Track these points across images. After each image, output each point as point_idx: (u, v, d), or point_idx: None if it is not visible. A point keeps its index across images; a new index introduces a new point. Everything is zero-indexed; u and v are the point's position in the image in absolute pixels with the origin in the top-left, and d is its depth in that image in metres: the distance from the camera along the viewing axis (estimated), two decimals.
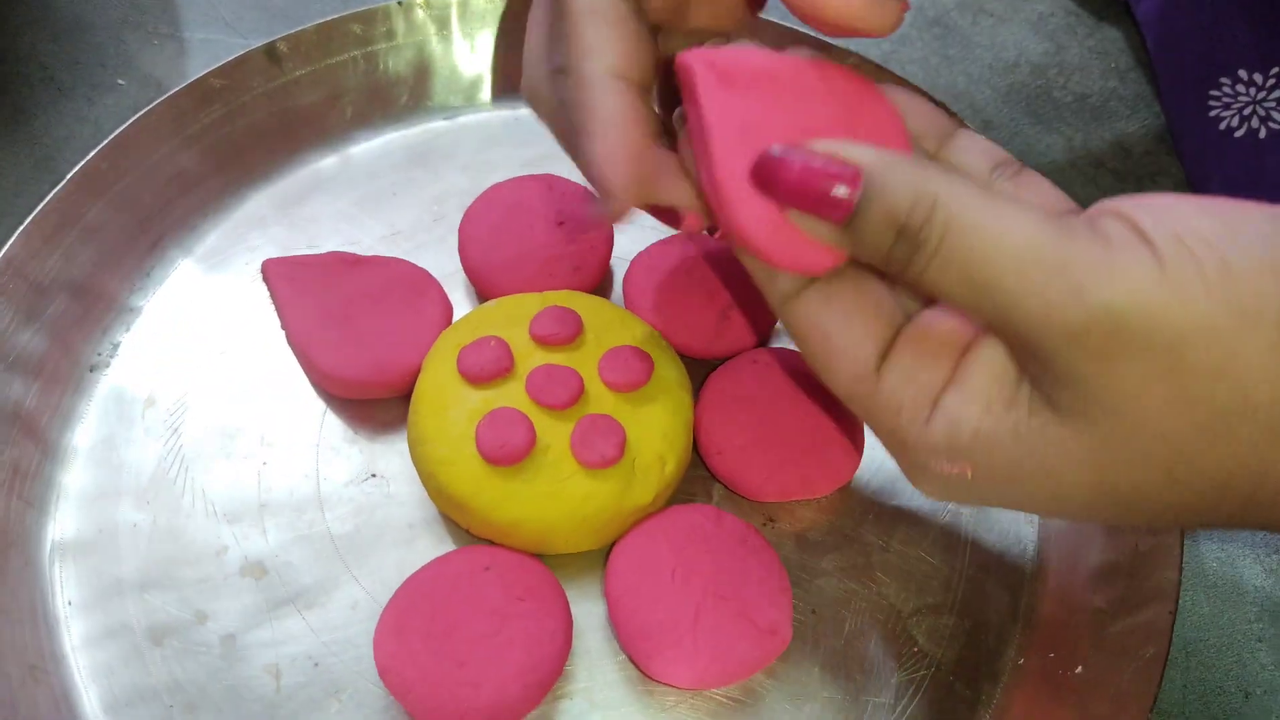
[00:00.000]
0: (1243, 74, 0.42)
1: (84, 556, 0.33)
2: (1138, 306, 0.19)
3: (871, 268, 0.24)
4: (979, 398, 0.22)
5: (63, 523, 0.33)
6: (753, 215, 0.23)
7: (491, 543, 0.32)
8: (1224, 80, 0.42)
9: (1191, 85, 0.42)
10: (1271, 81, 0.41)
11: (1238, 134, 0.41)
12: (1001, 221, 0.20)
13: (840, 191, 0.21)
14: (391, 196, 0.40)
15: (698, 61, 0.24)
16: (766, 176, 0.22)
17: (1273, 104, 0.41)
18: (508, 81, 0.42)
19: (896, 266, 0.22)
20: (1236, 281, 0.19)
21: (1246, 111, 0.41)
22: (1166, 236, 0.19)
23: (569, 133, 0.27)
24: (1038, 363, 0.21)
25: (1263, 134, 0.41)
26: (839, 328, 0.24)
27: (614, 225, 0.27)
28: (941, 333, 0.24)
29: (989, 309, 0.20)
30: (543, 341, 0.33)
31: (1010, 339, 0.21)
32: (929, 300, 0.25)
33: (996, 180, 0.26)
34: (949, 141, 0.27)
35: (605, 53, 0.24)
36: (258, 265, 0.38)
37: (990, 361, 0.22)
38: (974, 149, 0.27)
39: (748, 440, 0.33)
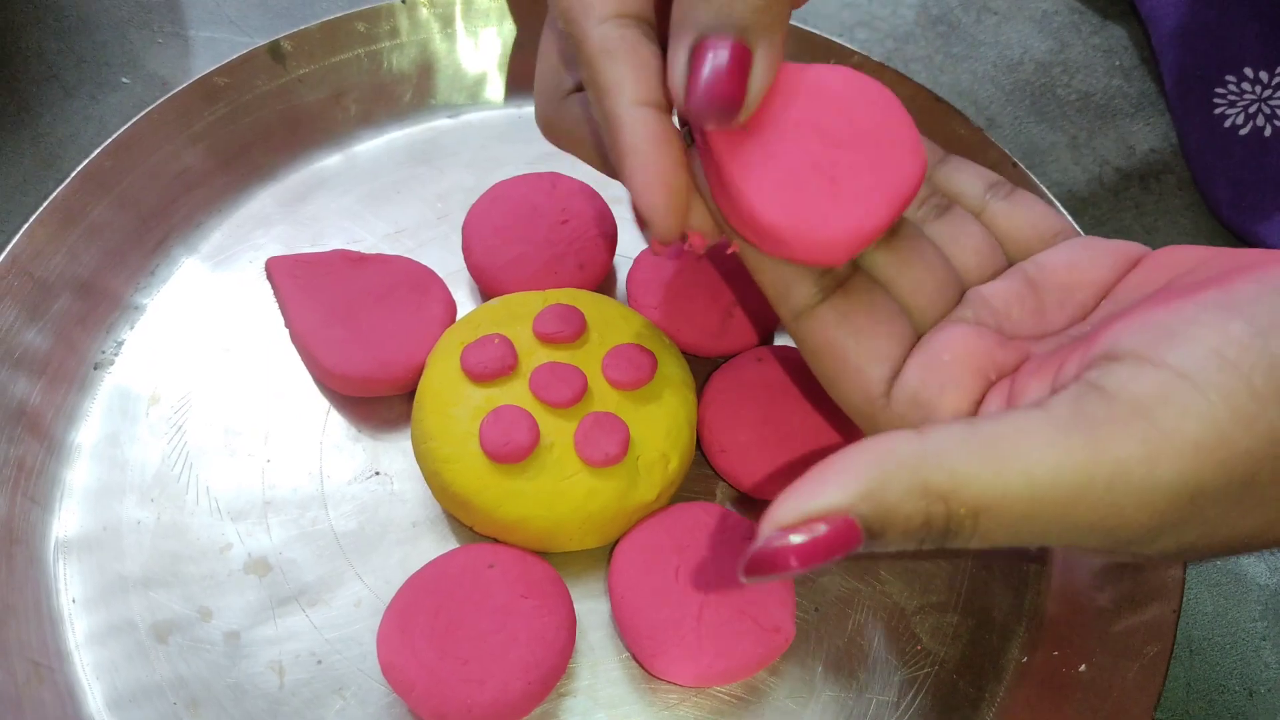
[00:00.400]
0: (1248, 72, 0.41)
1: (88, 553, 0.33)
2: (1199, 465, 0.19)
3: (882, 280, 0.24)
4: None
5: (67, 520, 0.34)
6: (769, 205, 0.23)
7: (495, 540, 0.32)
8: (1229, 78, 0.42)
9: (1197, 83, 0.42)
10: (1277, 79, 0.41)
11: (1243, 131, 0.41)
12: (1020, 467, 0.19)
13: (839, 553, 0.19)
14: (395, 194, 0.40)
15: None
16: (766, 568, 0.20)
17: (1278, 102, 0.41)
18: (516, 80, 0.42)
19: (936, 545, 0.20)
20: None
21: (1252, 109, 0.41)
22: (1196, 361, 0.19)
23: (596, 152, 0.27)
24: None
25: (1268, 131, 0.41)
26: (852, 346, 0.24)
27: (664, 253, 0.27)
28: (954, 357, 0.24)
29: (1053, 539, 0.20)
30: (546, 339, 0.33)
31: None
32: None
33: (990, 201, 0.26)
34: (939, 168, 0.27)
35: (625, 86, 0.24)
36: (262, 263, 0.38)
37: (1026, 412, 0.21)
38: (966, 172, 0.27)
39: (751, 438, 0.33)
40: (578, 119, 0.28)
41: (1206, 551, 0.21)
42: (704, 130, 0.24)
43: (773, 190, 0.23)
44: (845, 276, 0.25)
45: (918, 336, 0.25)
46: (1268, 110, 0.41)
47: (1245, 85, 0.41)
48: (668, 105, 0.24)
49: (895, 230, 0.26)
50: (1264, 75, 0.41)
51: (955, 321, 0.25)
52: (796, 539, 0.19)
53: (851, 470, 0.19)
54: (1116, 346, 0.20)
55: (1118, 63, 0.44)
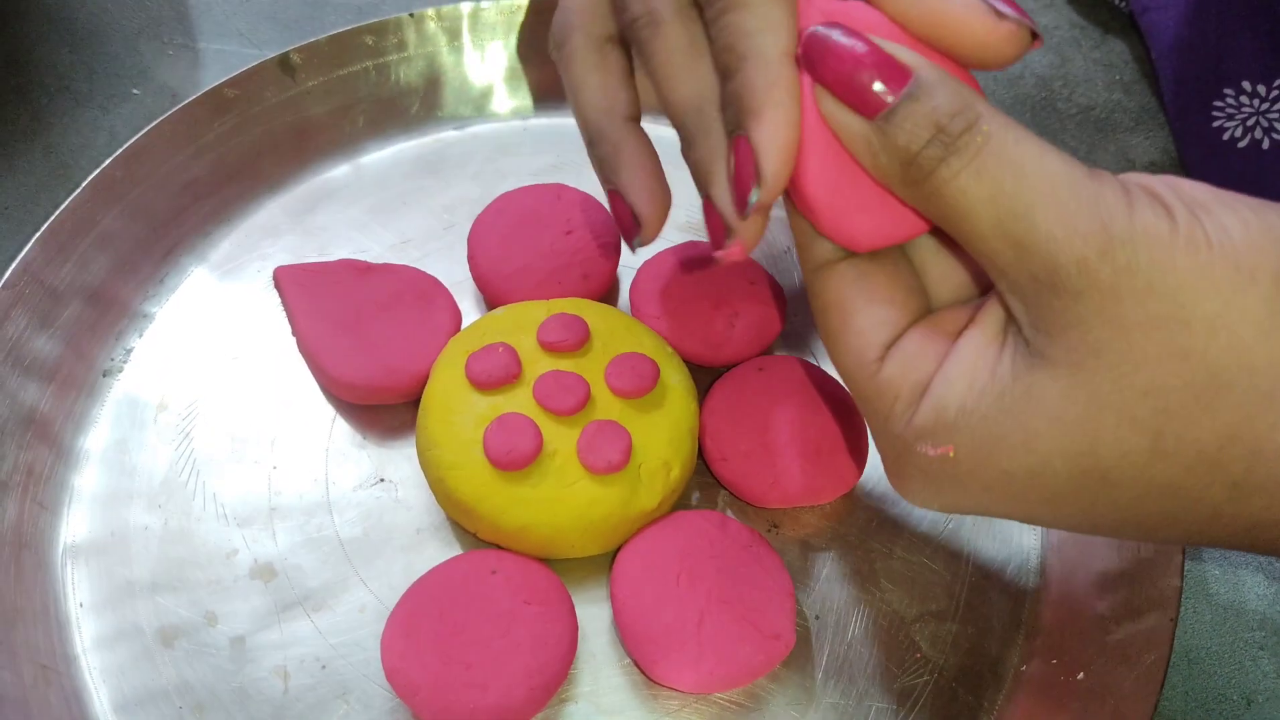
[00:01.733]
0: (1246, 85, 0.42)
1: (96, 558, 0.33)
2: (1150, 248, 0.20)
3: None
4: (965, 374, 0.22)
5: (75, 525, 0.34)
6: (820, 180, 0.23)
7: (498, 547, 0.32)
8: (1228, 91, 0.42)
9: (1196, 96, 0.42)
10: (1275, 93, 0.42)
11: (1241, 144, 0.42)
12: (1039, 151, 0.20)
13: (881, 86, 0.21)
14: (402, 205, 0.40)
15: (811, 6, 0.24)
16: (815, 52, 0.22)
17: (1276, 115, 0.41)
18: (521, 92, 0.43)
19: (921, 171, 0.21)
20: (1236, 243, 0.20)
21: (1250, 122, 0.42)
22: (1177, 202, 0.20)
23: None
24: (1039, 301, 0.21)
25: (1266, 144, 0.41)
26: (862, 307, 0.24)
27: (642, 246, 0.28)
28: (951, 323, 0.24)
29: (1009, 229, 0.20)
30: (550, 348, 0.33)
31: (1017, 272, 0.21)
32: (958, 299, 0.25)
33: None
34: None
35: (784, 31, 0.23)
36: (269, 273, 0.38)
37: (976, 338, 0.22)
38: None
39: (752, 447, 0.33)
40: (603, 61, 0.28)
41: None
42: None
43: (825, 179, 0.23)
44: None
45: (929, 312, 0.25)
46: (1265, 123, 0.41)
47: (1244, 98, 0.42)
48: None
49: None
50: (1261, 89, 0.42)
51: (968, 305, 0.25)
52: (869, 43, 0.21)
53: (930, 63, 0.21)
54: (1126, 176, 0.21)
55: (1118, 77, 0.45)
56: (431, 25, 0.42)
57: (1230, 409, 0.20)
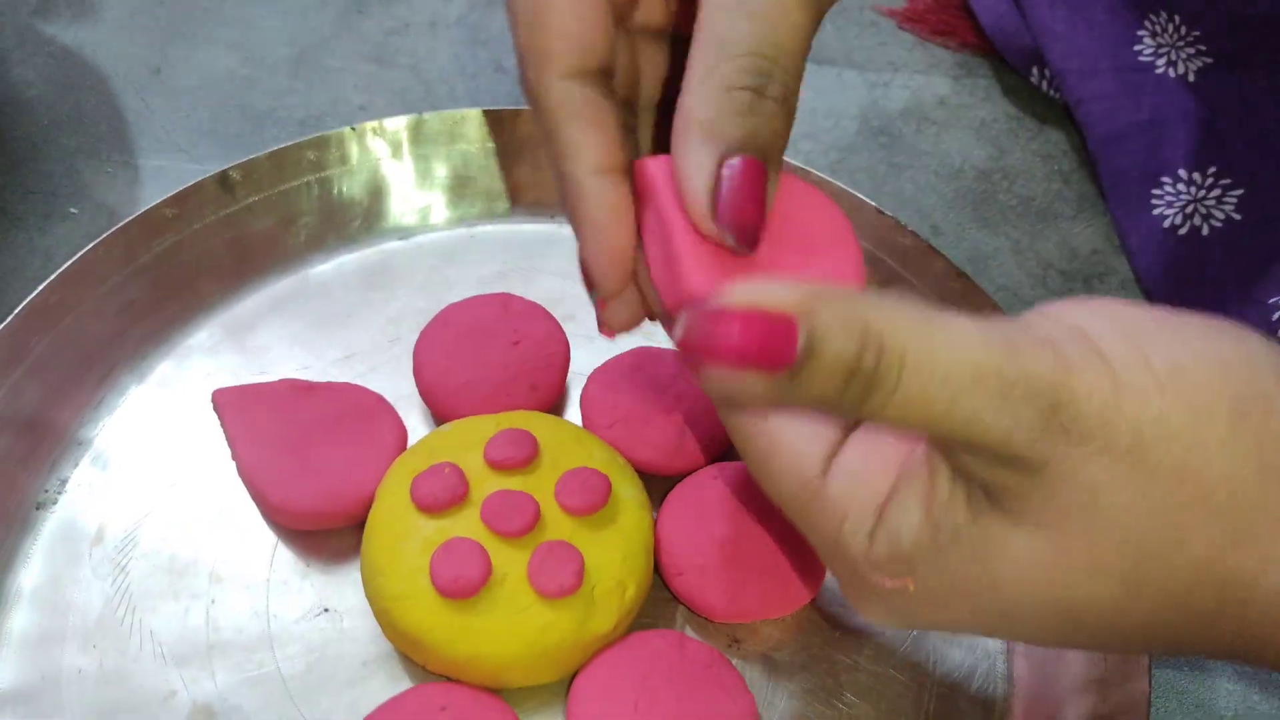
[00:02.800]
0: (1182, 173, 0.43)
1: (23, 706, 0.32)
2: (1096, 408, 0.19)
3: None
4: (919, 504, 0.21)
5: (2, 671, 0.32)
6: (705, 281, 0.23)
7: (448, 678, 0.31)
8: (1165, 179, 0.43)
9: (1134, 185, 0.43)
10: (1210, 180, 0.42)
11: (1182, 231, 0.42)
12: (951, 343, 0.19)
13: (785, 352, 0.19)
14: (347, 318, 0.40)
15: (659, 167, 0.24)
16: (696, 346, 0.19)
17: (1212, 202, 0.42)
18: (463, 201, 0.43)
19: (848, 408, 0.20)
20: (1187, 380, 0.19)
21: (1189, 209, 0.42)
22: (1114, 340, 0.20)
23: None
24: (998, 477, 0.20)
25: (1205, 231, 0.42)
26: (786, 428, 0.23)
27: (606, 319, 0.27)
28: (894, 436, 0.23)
29: (954, 436, 0.20)
30: (498, 466, 0.32)
31: (971, 463, 0.20)
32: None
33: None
34: None
35: (586, 153, 0.23)
36: (209, 394, 0.37)
37: (930, 470, 0.21)
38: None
39: (709, 560, 0.33)
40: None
41: None
42: (651, 227, 0.24)
43: (709, 268, 0.23)
44: None
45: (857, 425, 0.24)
46: (1204, 210, 0.42)
47: (1181, 186, 0.43)
48: (625, 168, 0.24)
49: None
50: (1197, 176, 0.42)
51: None
52: (736, 316, 0.19)
53: (801, 288, 0.19)
54: (1048, 313, 0.21)
55: (1056, 167, 0.46)
56: (373, 138, 0.42)
57: (1198, 550, 0.20)
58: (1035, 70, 0.47)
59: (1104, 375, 0.19)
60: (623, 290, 0.25)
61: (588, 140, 0.24)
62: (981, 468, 0.20)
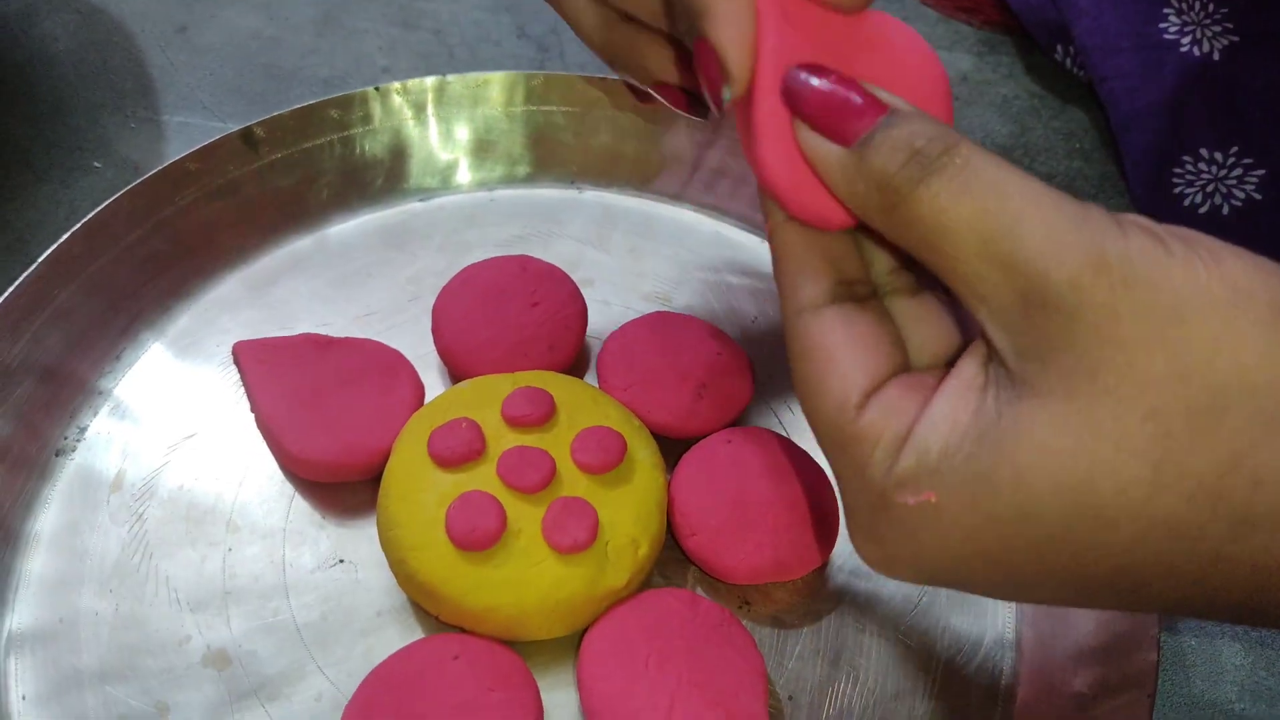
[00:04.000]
0: (1204, 152, 0.42)
1: (42, 647, 0.32)
2: (1146, 265, 0.19)
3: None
4: (947, 416, 0.21)
5: (21, 612, 0.33)
6: (779, 156, 0.23)
7: (462, 629, 0.32)
8: (1186, 158, 0.43)
9: (1155, 164, 0.43)
10: (1231, 160, 0.42)
11: (1202, 210, 0.42)
12: (1021, 176, 0.20)
13: (859, 117, 0.21)
14: (367, 278, 0.40)
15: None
16: (796, 88, 0.22)
17: (1233, 181, 0.42)
18: (485, 164, 0.43)
19: (899, 194, 0.21)
20: (1229, 266, 0.19)
21: (1210, 189, 0.42)
22: (1167, 232, 0.20)
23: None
24: (1027, 325, 0.20)
25: (1225, 210, 0.42)
26: (847, 352, 0.23)
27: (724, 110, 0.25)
28: (934, 379, 0.23)
29: (994, 249, 0.20)
30: (515, 423, 0.33)
31: (1003, 295, 0.20)
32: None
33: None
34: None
35: None
36: (229, 347, 0.37)
37: (958, 381, 0.21)
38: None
39: (721, 522, 0.33)
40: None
41: None
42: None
43: (787, 157, 0.23)
44: (863, 296, 0.25)
45: (911, 366, 0.24)
46: (1224, 190, 0.42)
47: (1202, 165, 0.42)
48: None
49: (920, 289, 0.25)
50: (1219, 155, 0.42)
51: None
52: (836, 75, 0.22)
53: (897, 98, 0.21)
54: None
55: (1078, 145, 0.45)
56: (397, 99, 0.42)
57: (1232, 434, 0.19)
58: (1060, 47, 0.46)
59: (1156, 242, 0.19)
60: (749, 82, 0.24)
61: None
62: (1013, 323, 0.20)
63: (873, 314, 0.24)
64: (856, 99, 0.22)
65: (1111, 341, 0.19)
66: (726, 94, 0.23)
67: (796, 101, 0.22)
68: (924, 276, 0.25)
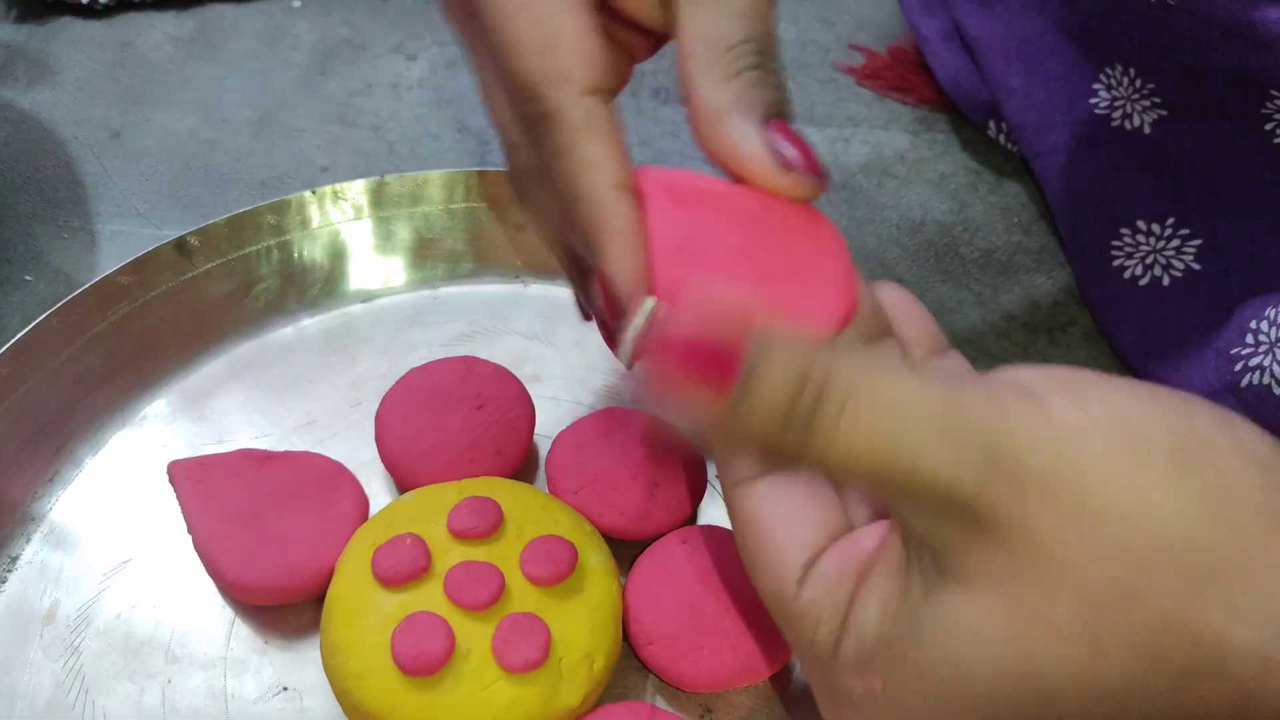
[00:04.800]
0: (1141, 224, 0.43)
1: None
2: (1032, 445, 0.19)
3: None
4: (878, 599, 0.21)
5: None
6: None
7: None
8: (1124, 230, 0.43)
9: (1094, 236, 0.43)
10: (1169, 230, 0.43)
11: (1142, 282, 0.43)
12: (895, 387, 0.20)
13: (717, 376, 0.20)
14: (307, 384, 0.39)
15: (648, 178, 0.24)
16: (655, 350, 0.20)
17: (1171, 252, 0.42)
18: (426, 262, 0.42)
19: (791, 450, 0.20)
20: (1122, 419, 0.19)
21: (1149, 260, 0.43)
22: (1051, 390, 0.20)
23: (556, 231, 0.27)
24: (944, 535, 0.20)
25: (1165, 281, 0.42)
26: (781, 524, 0.23)
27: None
28: (869, 540, 0.23)
29: (896, 476, 0.20)
30: (461, 535, 0.32)
31: (916, 516, 0.20)
32: (877, 514, 0.24)
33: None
34: (935, 359, 0.27)
35: (610, 167, 0.24)
36: (165, 465, 0.36)
37: (887, 559, 0.22)
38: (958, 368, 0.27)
39: (678, 628, 0.32)
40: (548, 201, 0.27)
41: None
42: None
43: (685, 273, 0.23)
44: None
45: (850, 529, 0.24)
46: (1164, 260, 0.42)
47: (1140, 237, 0.43)
48: (632, 185, 0.24)
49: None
50: (1156, 227, 0.43)
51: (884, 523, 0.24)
52: (690, 318, 0.19)
53: (755, 317, 0.20)
54: (993, 374, 0.21)
55: (1016, 219, 0.46)
56: (334, 201, 0.42)
57: (1159, 597, 0.19)
58: (992, 124, 0.47)
59: (1040, 420, 0.19)
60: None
61: (610, 155, 0.24)
62: (931, 527, 0.20)
63: (807, 481, 0.24)
64: (711, 354, 0.19)
65: (1023, 538, 0.19)
66: (623, 331, 0.23)
67: (657, 353, 0.20)
68: None
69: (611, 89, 0.25)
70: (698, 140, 0.25)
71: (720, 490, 0.25)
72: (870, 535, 0.23)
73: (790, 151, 0.24)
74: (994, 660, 0.20)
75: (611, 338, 0.27)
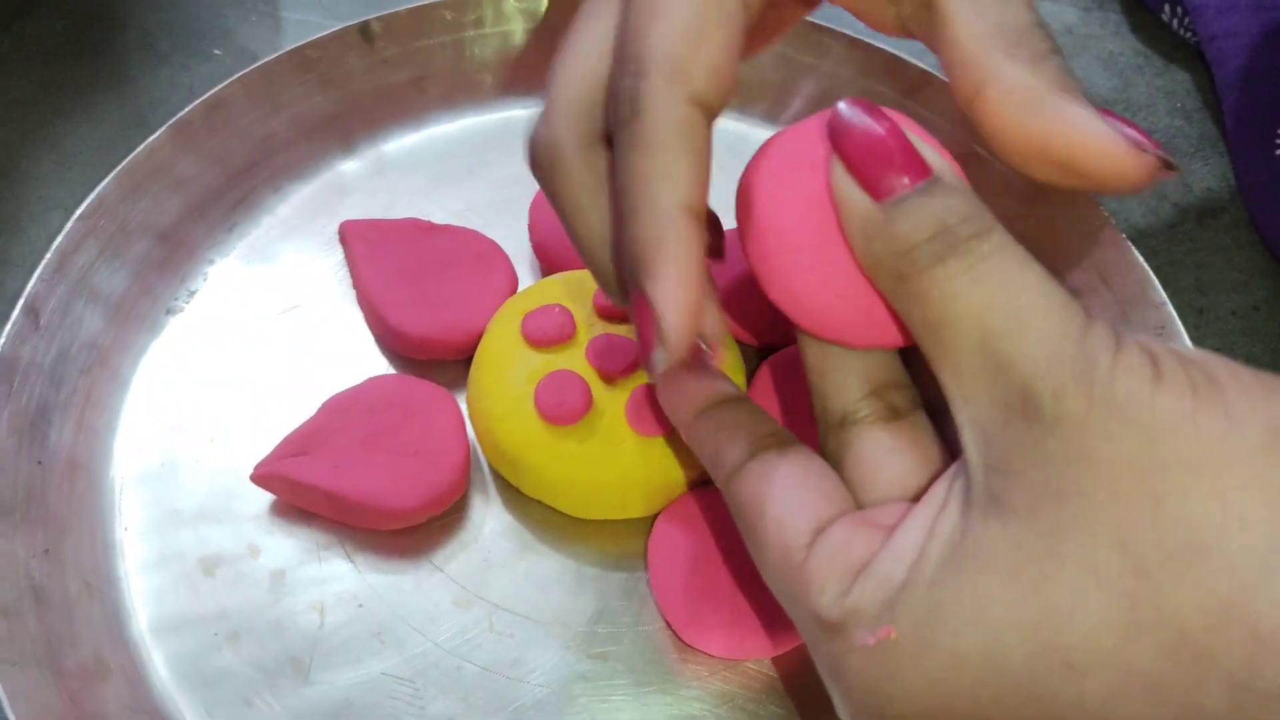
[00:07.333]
0: None
1: (145, 486, 0.34)
2: (1130, 386, 0.18)
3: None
4: (912, 546, 0.20)
5: (128, 452, 0.35)
6: (806, 284, 0.22)
7: (541, 503, 0.33)
8: None
9: (1258, 123, 0.43)
10: None
11: None
12: (1040, 277, 0.19)
13: (899, 173, 0.20)
14: (467, 175, 0.41)
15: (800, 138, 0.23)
16: (843, 123, 0.21)
17: None
18: None
19: (914, 266, 0.20)
20: (1224, 392, 0.18)
21: None
22: (1167, 354, 0.19)
23: (580, 211, 0.24)
24: (1003, 433, 0.19)
25: None
26: (778, 496, 0.23)
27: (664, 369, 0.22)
28: (883, 516, 0.22)
29: (991, 347, 0.19)
30: (606, 313, 0.34)
31: (987, 396, 0.19)
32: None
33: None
34: None
35: (685, 186, 0.21)
36: (334, 229, 0.39)
37: (922, 513, 0.21)
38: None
39: (799, 429, 0.34)
40: (599, 176, 0.24)
41: None
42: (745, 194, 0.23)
43: (812, 283, 0.22)
44: (787, 442, 0.24)
45: (854, 507, 0.23)
46: None
47: None
48: (703, 216, 0.22)
49: (900, 413, 0.24)
50: None
51: (900, 502, 0.22)
52: (892, 121, 0.21)
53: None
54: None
55: (1179, 105, 0.45)
56: (510, 6, 0.43)
57: (1217, 574, 0.17)
58: (1167, 7, 0.46)
59: (1148, 363, 0.18)
60: (686, 350, 0.21)
61: (692, 174, 0.21)
62: (991, 427, 0.19)
63: (799, 460, 0.23)
64: (899, 155, 0.20)
65: (1081, 459, 0.18)
66: (659, 359, 0.21)
67: (839, 137, 0.21)
68: (897, 405, 0.24)
69: (717, 113, 0.22)
70: (1001, 129, 0.22)
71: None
72: (883, 511, 0.22)
73: (1130, 132, 0.22)
74: (1018, 604, 0.18)
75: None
